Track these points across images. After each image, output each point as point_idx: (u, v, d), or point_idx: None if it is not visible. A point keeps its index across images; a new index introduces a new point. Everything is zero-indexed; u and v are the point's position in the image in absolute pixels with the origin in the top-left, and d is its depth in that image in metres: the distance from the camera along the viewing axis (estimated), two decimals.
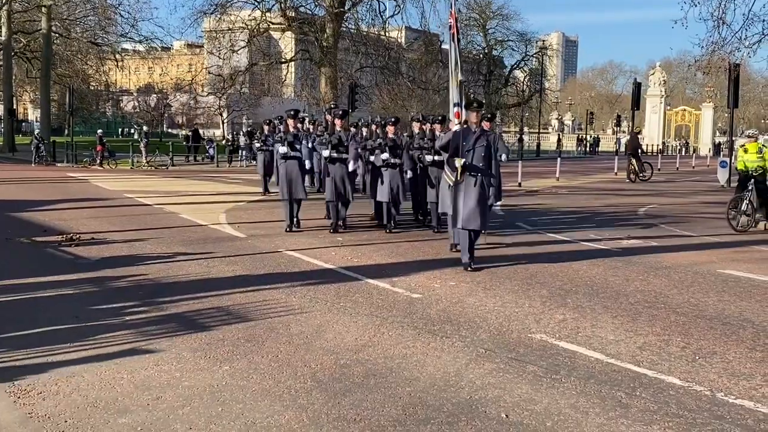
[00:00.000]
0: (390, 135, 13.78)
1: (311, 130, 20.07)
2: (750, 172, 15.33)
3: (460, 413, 5.06)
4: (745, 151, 15.70)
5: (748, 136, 16.44)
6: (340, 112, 14.14)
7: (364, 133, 15.26)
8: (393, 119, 14.37)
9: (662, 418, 5.08)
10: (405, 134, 15.18)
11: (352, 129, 15.71)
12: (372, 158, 13.93)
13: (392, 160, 13.52)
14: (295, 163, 13.47)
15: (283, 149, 13.40)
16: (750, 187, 15.18)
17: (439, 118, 14.01)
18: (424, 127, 14.43)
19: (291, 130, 13.60)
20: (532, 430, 4.82)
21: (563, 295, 8.64)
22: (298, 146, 13.58)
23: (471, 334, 7.00)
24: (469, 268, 9.91)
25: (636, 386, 5.69)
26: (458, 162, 9.89)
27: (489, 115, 11.64)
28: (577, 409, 5.19)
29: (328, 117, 15.23)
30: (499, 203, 9.46)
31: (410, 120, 15.48)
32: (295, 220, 13.61)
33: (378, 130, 14.61)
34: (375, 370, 5.92)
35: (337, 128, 13.57)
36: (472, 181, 9.93)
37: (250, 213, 16.43)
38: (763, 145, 16.41)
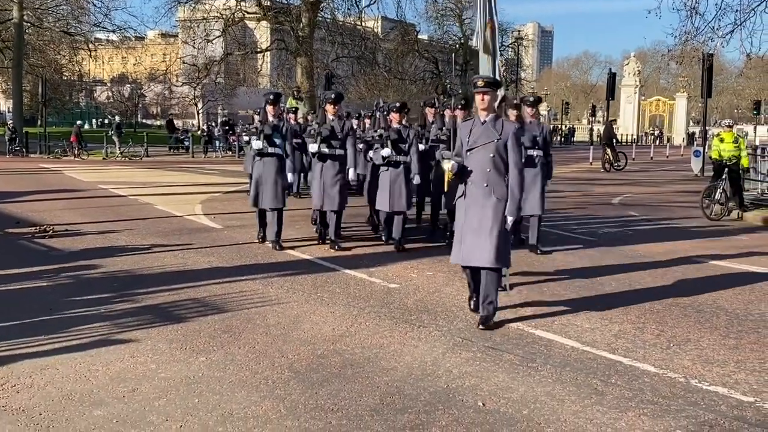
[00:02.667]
0: (394, 124, 10.85)
1: (354, 126, 12.68)
2: (724, 162, 15.53)
3: (437, 402, 5.08)
4: (721, 140, 15.92)
5: (728, 126, 16.62)
6: (333, 96, 10.97)
7: (367, 125, 13.18)
8: (398, 104, 11.16)
9: (637, 405, 5.13)
10: (416, 124, 12.48)
11: (354, 121, 13.59)
12: (371, 154, 11.13)
13: (395, 158, 10.61)
14: (273, 161, 10.57)
15: (257, 143, 10.50)
16: (724, 177, 15.37)
17: (462, 102, 10.47)
18: (443, 113, 11.79)
19: (270, 119, 10.67)
20: (509, 418, 4.85)
21: (540, 285, 8.68)
22: (277, 140, 10.55)
23: (448, 323, 7.02)
24: (480, 326, 6.85)
25: (611, 374, 5.74)
26: (446, 164, 7.04)
27: (462, 102, 10.30)
28: (553, 396, 5.23)
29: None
30: (510, 219, 6.72)
31: (422, 105, 12.64)
32: (273, 236, 10.68)
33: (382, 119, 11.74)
34: (352, 360, 5.92)
35: (329, 116, 10.70)
36: (480, 197, 6.82)
37: (227, 204, 16.34)
38: (738, 135, 16.60)
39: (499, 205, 6.69)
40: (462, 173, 6.85)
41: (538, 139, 10.56)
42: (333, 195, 10.46)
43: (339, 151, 10.56)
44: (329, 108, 10.72)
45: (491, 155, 6.71)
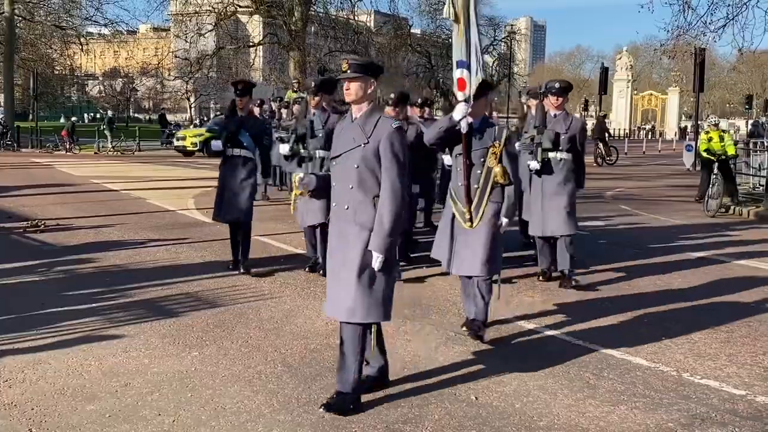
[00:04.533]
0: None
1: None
2: (715, 155, 15.66)
3: (430, 396, 5.09)
4: (710, 139, 16.05)
5: (713, 125, 16.74)
6: (315, 86, 8.83)
7: None
8: (393, 97, 8.79)
9: (629, 399, 5.14)
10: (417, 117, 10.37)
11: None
12: None
13: None
14: (237, 165, 8.64)
15: (216, 144, 8.72)
16: (716, 172, 15.42)
17: (398, 97, 8.93)
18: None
19: (239, 114, 8.73)
20: (502, 411, 4.86)
21: (532, 278, 8.69)
22: (245, 140, 8.65)
23: (440, 317, 7.03)
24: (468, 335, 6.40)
25: (603, 367, 5.76)
26: (295, 177, 5.63)
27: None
28: (546, 390, 5.24)
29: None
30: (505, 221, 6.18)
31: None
32: (240, 259, 8.81)
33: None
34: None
35: (312, 110, 8.76)
36: (342, 224, 5.08)
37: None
38: (723, 131, 16.73)
39: (361, 237, 4.75)
40: (318, 190, 5.17)
41: (562, 137, 8.29)
42: (314, 207, 8.29)
43: (321, 153, 8.43)
44: (313, 101, 8.74)
45: (356, 166, 4.77)
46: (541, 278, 8.60)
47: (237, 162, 8.66)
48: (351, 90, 4.81)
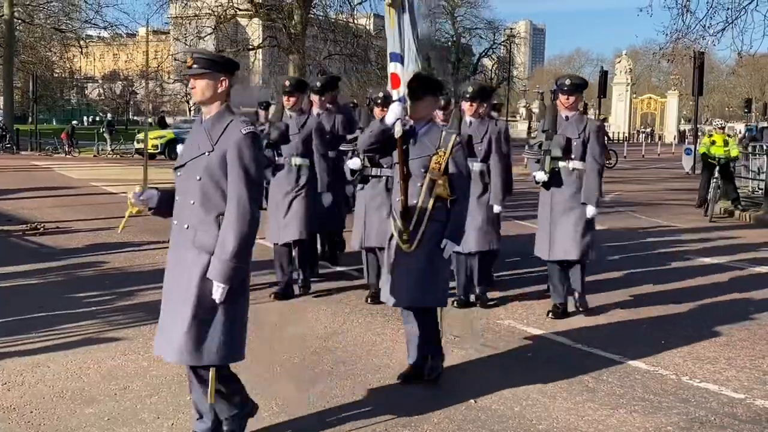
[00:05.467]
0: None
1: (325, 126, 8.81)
2: (716, 159, 15.56)
3: (429, 399, 5.09)
4: (713, 142, 15.93)
5: (719, 128, 16.66)
6: (289, 85, 7.72)
7: (359, 118, 9.27)
8: (381, 95, 7.33)
9: (628, 402, 5.15)
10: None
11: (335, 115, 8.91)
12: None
13: (371, 171, 7.28)
14: (293, 175, 7.70)
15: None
16: (716, 176, 15.32)
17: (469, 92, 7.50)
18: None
19: (289, 113, 7.78)
20: (501, 415, 4.86)
21: (530, 282, 8.69)
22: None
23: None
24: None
25: (603, 371, 5.76)
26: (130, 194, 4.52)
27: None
28: (545, 393, 5.24)
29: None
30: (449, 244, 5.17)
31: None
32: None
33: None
34: (344, 357, 5.92)
35: (287, 111, 7.72)
36: (179, 246, 4.21)
37: None
38: (728, 135, 16.66)
39: (200, 262, 3.97)
40: (161, 208, 4.31)
41: (574, 143, 7.03)
42: (288, 222, 7.51)
43: (297, 160, 7.56)
44: (288, 100, 7.67)
45: (198, 178, 3.98)
46: (551, 315, 7.16)
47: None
48: (197, 89, 4.04)
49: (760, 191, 17.48)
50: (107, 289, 7.92)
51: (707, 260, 10.43)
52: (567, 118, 7.14)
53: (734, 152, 16.16)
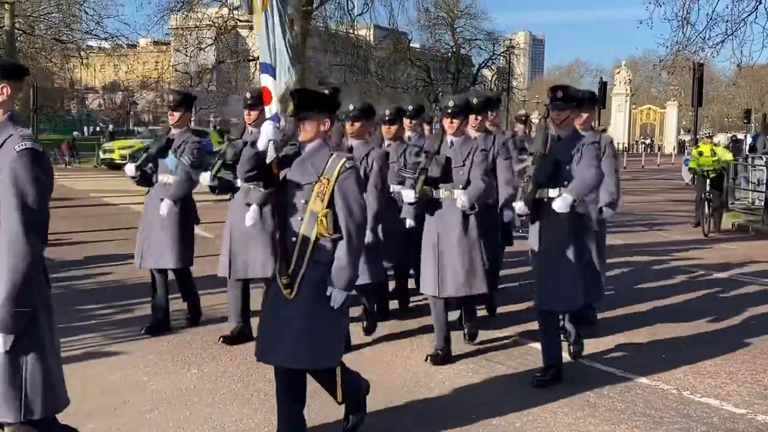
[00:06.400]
0: (387, 142, 7.15)
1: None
2: (705, 173, 15.07)
3: (430, 413, 5.08)
4: (700, 153, 15.30)
5: (707, 137, 16.40)
6: (251, 97, 6.59)
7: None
8: (390, 113, 7.04)
9: (630, 417, 5.13)
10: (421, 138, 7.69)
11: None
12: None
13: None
14: (162, 196, 6.84)
15: (131, 168, 6.94)
16: (708, 190, 15.01)
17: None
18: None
19: (172, 131, 6.90)
20: (502, 430, 4.85)
21: (529, 295, 8.67)
22: (171, 165, 6.80)
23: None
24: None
25: (604, 385, 5.74)
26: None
27: (357, 111, 6.42)
28: (546, 408, 5.22)
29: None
30: (336, 292, 4.24)
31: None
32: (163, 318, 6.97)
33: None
34: None
35: (249, 126, 6.62)
36: None
37: (218, 212, 16.22)
38: (715, 144, 16.39)
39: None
40: None
41: (566, 168, 5.70)
42: (255, 256, 6.56)
43: (256, 185, 5.95)
44: (248, 115, 6.62)
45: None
46: (538, 376, 5.80)
47: (158, 195, 6.97)
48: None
49: (761, 203, 17.45)
50: (107, 302, 7.91)
51: (707, 273, 10.42)
52: (559, 137, 5.75)
53: (726, 156, 15.65)
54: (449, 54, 66.35)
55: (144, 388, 5.46)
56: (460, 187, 6.05)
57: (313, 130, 4.33)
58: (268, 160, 4.37)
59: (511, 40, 75.94)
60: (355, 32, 44.93)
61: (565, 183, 5.63)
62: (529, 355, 6.44)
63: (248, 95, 6.74)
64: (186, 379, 5.66)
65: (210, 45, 42.14)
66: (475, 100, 6.87)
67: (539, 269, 5.97)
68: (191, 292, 7.29)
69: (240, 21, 40.96)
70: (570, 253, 5.69)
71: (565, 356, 6.18)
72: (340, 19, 41.38)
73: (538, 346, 6.67)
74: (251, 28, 43.07)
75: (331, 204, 4.22)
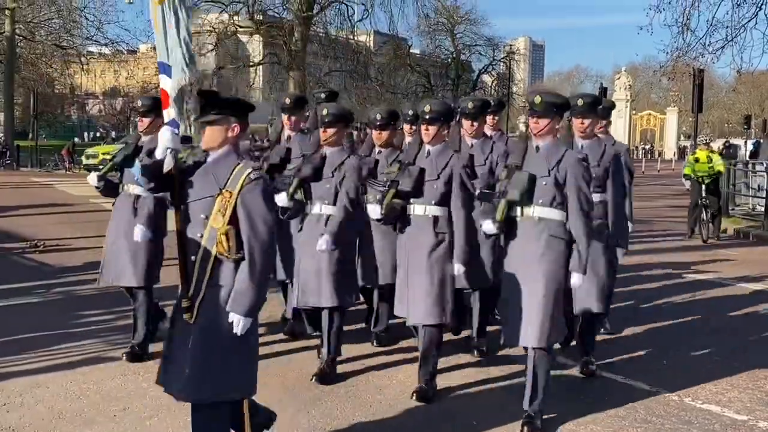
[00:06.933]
0: (378, 149, 6.56)
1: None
2: (700, 179, 15.00)
3: (431, 421, 5.06)
4: (696, 160, 15.17)
5: (704, 144, 16.25)
6: (290, 102, 6.98)
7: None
8: (381, 117, 6.39)
9: (631, 424, 5.12)
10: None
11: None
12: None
13: (309, 207, 5.92)
14: (128, 207, 6.23)
15: (93, 177, 6.36)
16: (704, 196, 14.93)
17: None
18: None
19: (142, 138, 6.24)
20: None
21: None
22: (138, 174, 5.24)
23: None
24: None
25: (605, 392, 5.73)
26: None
27: (331, 117, 5.82)
28: (547, 415, 5.20)
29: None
30: (237, 318, 3.80)
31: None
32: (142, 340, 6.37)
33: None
34: (345, 378, 5.88)
35: (287, 133, 6.98)
36: None
37: None
38: (712, 151, 16.28)
39: None
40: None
41: (543, 183, 4.94)
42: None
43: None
44: (285, 120, 6.93)
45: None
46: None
47: (126, 204, 6.32)
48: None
49: (761, 208, 17.45)
50: (107, 308, 7.88)
51: (708, 279, 10.41)
52: (537, 148, 5.05)
53: (719, 167, 15.51)
54: (449, 60, 66.44)
55: (144, 394, 5.44)
56: (433, 203, 5.47)
57: (219, 137, 3.89)
58: (165, 170, 3.93)
59: (511, 45, 76.05)
60: (355, 38, 45.00)
61: (540, 201, 4.91)
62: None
63: (140, 102, 6.56)
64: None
65: (210, 50, 42.20)
66: (470, 105, 6.51)
67: (511, 299, 5.03)
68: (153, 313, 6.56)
69: (240, 27, 41.04)
70: (547, 284, 4.87)
71: (567, 361, 6.18)
72: (340, 24, 41.47)
73: None
74: (251, 34, 43.27)
75: (234, 220, 3.78)
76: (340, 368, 6.07)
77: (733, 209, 18.19)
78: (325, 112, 5.81)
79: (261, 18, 40.73)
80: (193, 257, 3.87)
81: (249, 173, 3.80)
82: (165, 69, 4.09)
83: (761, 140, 32.28)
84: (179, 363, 3.85)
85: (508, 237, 5.07)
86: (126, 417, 5.03)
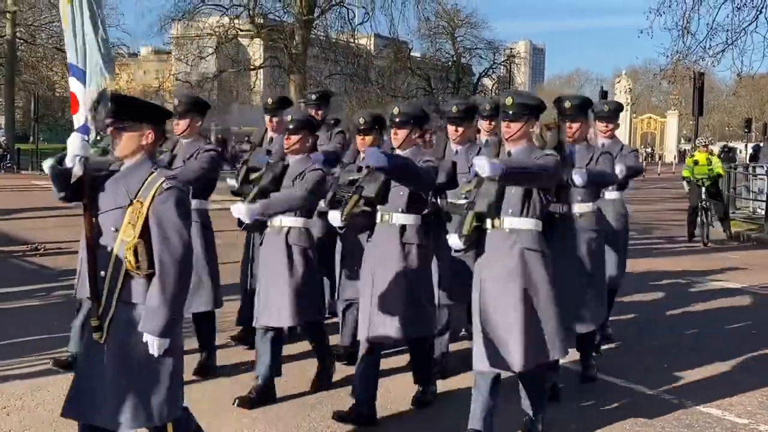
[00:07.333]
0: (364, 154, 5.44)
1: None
2: (700, 182, 14.89)
3: (430, 422, 5.06)
4: (695, 162, 15.05)
5: (703, 146, 16.15)
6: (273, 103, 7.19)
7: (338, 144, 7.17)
8: (364, 121, 5.66)
9: (631, 427, 5.13)
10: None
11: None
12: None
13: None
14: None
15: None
16: (704, 198, 14.87)
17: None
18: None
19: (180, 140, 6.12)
20: None
21: None
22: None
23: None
24: None
25: (605, 396, 5.73)
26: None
27: (295, 123, 5.51)
28: (546, 419, 5.20)
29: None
30: (151, 339, 3.49)
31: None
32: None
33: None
34: (345, 382, 5.87)
35: (269, 134, 7.15)
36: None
37: (218, 221, 16.26)
38: (711, 153, 16.24)
39: None
40: None
41: (511, 191, 4.51)
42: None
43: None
44: (267, 122, 7.08)
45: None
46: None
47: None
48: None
49: (761, 211, 17.46)
50: None
51: (707, 283, 10.40)
52: (509, 154, 4.60)
53: (718, 169, 15.31)
54: (450, 63, 66.47)
55: None
56: (400, 210, 5.10)
57: (133, 144, 3.65)
58: (73, 179, 3.68)
59: (511, 49, 76.06)
60: (356, 41, 45.08)
61: (510, 211, 4.46)
62: None
63: (176, 101, 6.29)
64: (186, 388, 5.63)
65: (211, 54, 42.25)
66: (454, 108, 5.90)
67: (482, 320, 4.55)
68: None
69: (241, 30, 41.10)
70: (517, 300, 4.43)
71: (569, 365, 6.18)
72: (340, 28, 41.53)
73: None
74: (252, 37, 43.26)
75: (145, 233, 3.50)
76: (342, 369, 6.07)
77: (733, 212, 18.18)
78: (288, 118, 5.50)
79: (262, 21, 40.79)
80: (102, 272, 3.57)
81: (162, 182, 3.53)
82: (75, 71, 3.80)
83: (761, 144, 32.29)
84: (93, 388, 3.55)
85: (478, 252, 4.59)
86: None
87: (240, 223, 5.54)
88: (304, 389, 5.67)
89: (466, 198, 4.70)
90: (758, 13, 19.29)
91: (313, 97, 7.49)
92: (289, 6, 38.85)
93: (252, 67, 45.14)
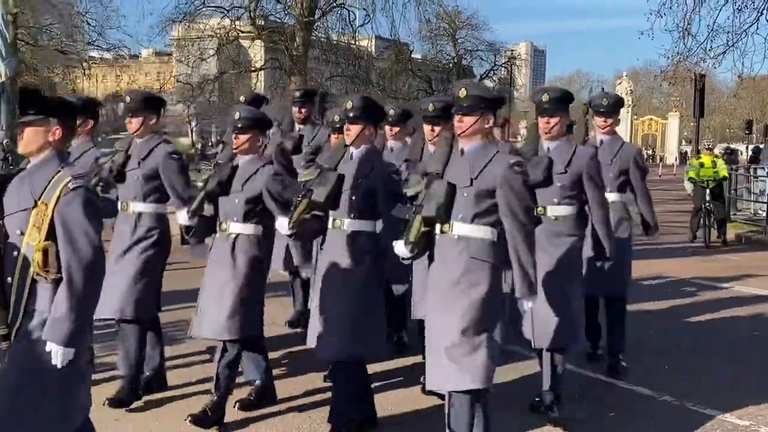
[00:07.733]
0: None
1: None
2: (704, 184, 14.87)
3: (432, 423, 5.06)
4: (701, 165, 15.06)
5: (707, 149, 16.16)
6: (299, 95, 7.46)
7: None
8: (340, 120, 5.66)
9: (632, 429, 5.11)
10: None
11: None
12: None
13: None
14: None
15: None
16: (708, 200, 14.84)
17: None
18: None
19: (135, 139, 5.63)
20: None
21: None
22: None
23: None
24: None
25: (606, 397, 5.73)
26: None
27: (244, 121, 5.08)
28: (546, 418, 5.20)
29: None
30: (53, 349, 3.27)
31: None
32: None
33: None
34: None
35: (297, 126, 7.16)
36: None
37: None
38: (716, 156, 16.22)
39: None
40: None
41: (464, 194, 4.07)
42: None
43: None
44: (295, 113, 7.28)
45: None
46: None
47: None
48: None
49: (762, 213, 17.44)
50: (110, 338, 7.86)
51: (708, 284, 10.39)
52: (462, 152, 4.18)
53: (723, 171, 15.32)
54: (451, 65, 66.49)
55: (145, 398, 5.43)
56: (352, 216, 4.76)
57: (38, 140, 3.41)
58: None
59: (512, 50, 76.04)
60: (357, 43, 45.08)
61: (460, 216, 4.03)
62: (530, 368, 6.41)
63: (128, 98, 6.05)
64: (187, 391, 5.64)
65: (212, 56, 42.29)
66: (430, 107, 5.38)
67: (429, 337, 4.17)
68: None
69: (242, 32, 41.12)
70: (458, 315, 3.98)
71: (570, 366, 6.19)
72: (341, 30, 41.47)
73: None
74: (253, 39, 43.24)
75: (52, 235, 3.28)
76: None
77: (734, 214, 18.16)
78: (237, 116, 5.02)
79: (262, 23, 40.81)
80: (9, 279, 3.32)
81: (68, 182, 3.28)
82: None
83: (760, 145, 32.26)
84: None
85: (429, 260, 4.18)
86: (128, 423, 5.04)
87: (188, 231, 5.26)
88: (304, 390, 5.67)
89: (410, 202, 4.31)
90: (759, 14, 19.28)
91: (298, 94, 7.40)
92: (290, 8, 38.85)
93: (253, 68, 45.18)
